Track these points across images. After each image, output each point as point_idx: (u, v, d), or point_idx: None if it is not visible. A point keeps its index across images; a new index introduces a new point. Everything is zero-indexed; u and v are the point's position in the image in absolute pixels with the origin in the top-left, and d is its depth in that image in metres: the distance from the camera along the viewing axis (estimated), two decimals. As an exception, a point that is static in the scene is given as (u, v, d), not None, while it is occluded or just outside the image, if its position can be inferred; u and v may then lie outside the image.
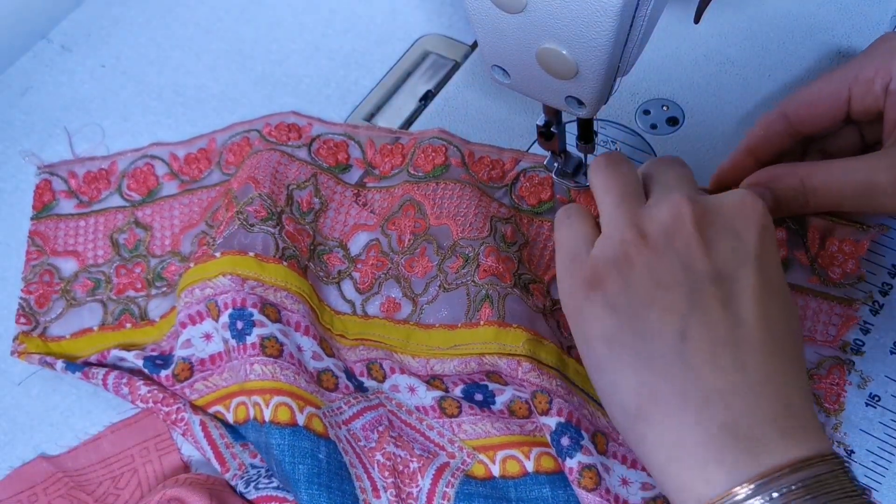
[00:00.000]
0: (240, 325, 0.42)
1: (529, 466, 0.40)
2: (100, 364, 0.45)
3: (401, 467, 0.41)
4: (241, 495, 0.41)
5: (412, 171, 0.49)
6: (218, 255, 0.44)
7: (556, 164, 0.48)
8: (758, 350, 0.33)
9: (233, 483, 0.42)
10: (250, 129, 0.52)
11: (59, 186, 0.52)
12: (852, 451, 0.40)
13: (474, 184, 0.48)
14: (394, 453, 0.41)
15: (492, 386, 0.42)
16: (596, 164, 0.40)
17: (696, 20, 0.42)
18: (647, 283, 0.34)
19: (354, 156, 0.51)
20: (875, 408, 0.41)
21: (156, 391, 0.43)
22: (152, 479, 0.43)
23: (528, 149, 0.50)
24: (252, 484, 0.41)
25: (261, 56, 0.58)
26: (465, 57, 0.56)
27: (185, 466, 0.44)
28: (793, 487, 0.30)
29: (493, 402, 0.42)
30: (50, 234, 0.50)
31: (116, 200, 0.51)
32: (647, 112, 0.52)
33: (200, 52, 0.59)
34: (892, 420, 0.41)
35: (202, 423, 0.42)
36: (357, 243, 0.48)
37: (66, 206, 0.52)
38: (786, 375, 0.33)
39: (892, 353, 0.42)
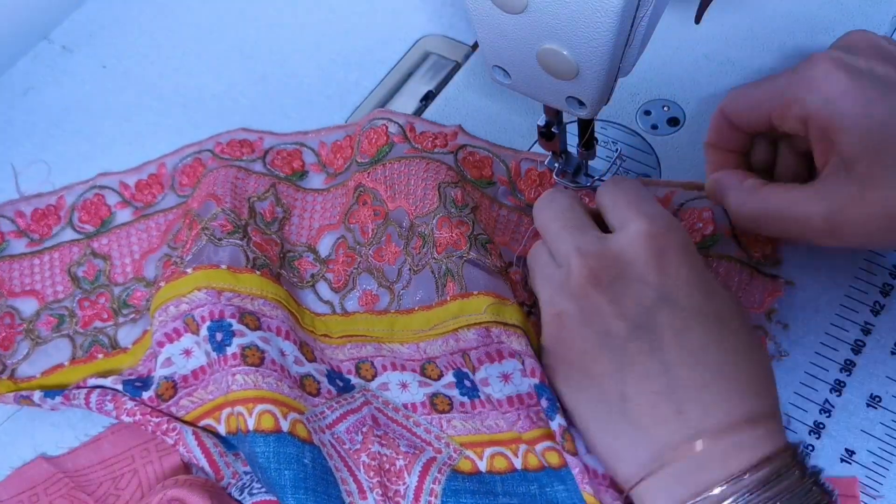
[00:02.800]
0: (219, 336, 0.42)
1: (517, 463, 0.41)
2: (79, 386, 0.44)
3: (387, 465, 0.41)
4: (239, 501, 0.41)
5: (359, 160, 0.49)
6: (190, 271, 0.44)
7: (556, 165, 0.48)
8: (692, 391, 0.34)
9: (228, 491, 0.42)
10: (201, 149, 0.52)
11: (7, 227, 0.51)
12: (853, 452, 0.40)
13: (418, 155, 0.48)
14: (379, 452, 0.41)
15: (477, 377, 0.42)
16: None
17: (697, 20, 0.42)
18: (580, 359, 0.37)
19: (309, 161, 0.51)
20: (876, 409, 0.41)
21: (143, 404, 0.42)
22: (153, 481, 0.43)
23: (530, 149, 0.50)
24: (246, 490, 0.41)
25: (262, 57, 0.58)
26: (466, 57, 0.56)
27: (186, 467, 0.44)
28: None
29: (480, 390, 0.42)
30: (4, 276, 0.49)
31: (69, 234, 0.51)
32: (647, 112, 0.52)
33: (201, 52, 0.59)
34: (893, 421, 0.41)
35: (195, 433, 0.42)
36: (325, 244, 0.48)
37: (17, 245, 0.50)
38: (721, 394, 0.34)
39: (892, 353, 0.42)
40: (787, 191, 0.39)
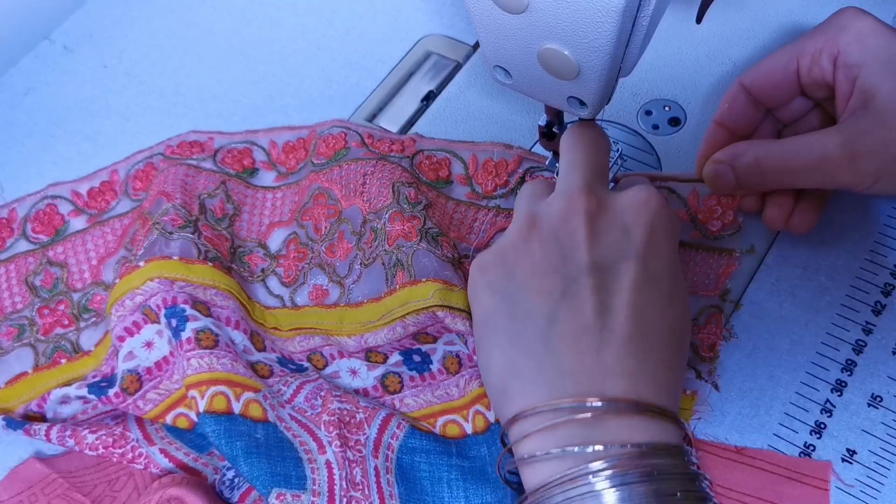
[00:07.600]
0: (174, 322, 0.42)
1: (468, 428, 0.42)
2: (41, 418, 0.44)
3: (347, 418, 0.41)
4: (229, 500, 0.42)
5: (315, 161, 0.50)
6: (142, 263, 0.44)
7: (557, 165, 0.48)
8: (619, 339, 0.34)
9: (217, 489, 0.42)
10: (152, 154, 0.53)
11: None
12: (854, 452, 0.40)
13: (374, 157, 0.48)
14: (339, 408, 0.42)
15: (425, 347, 0.43)
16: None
17: (698, 20, 0.42)
18: (527, 269, 0.36)
19: (259, 159, 0.52)
20: (877, 408, 0.41)
21: (104, 436, 0.42)
22: (148, 482, 0.43)
23: (531, 149, 0.50)
24: (235, 488, 0.42)
25: (262, 57, 0.58)
26: (467, 57, 0.56)
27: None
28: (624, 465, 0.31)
29: (431, 363, 0.43)
30: None
31: (24, 245, 0.51)
32: (648, 112, 0.52)
33: (202, 52, 0.59)
34: (894, 420, 0.41)
35: (162, 451, 0.42)
36: (275, 240, 0.49)
37: None
38: (642, 368, 0.34)
39: (894, 353, 0.42)
40: (805, 134, 0.41)
